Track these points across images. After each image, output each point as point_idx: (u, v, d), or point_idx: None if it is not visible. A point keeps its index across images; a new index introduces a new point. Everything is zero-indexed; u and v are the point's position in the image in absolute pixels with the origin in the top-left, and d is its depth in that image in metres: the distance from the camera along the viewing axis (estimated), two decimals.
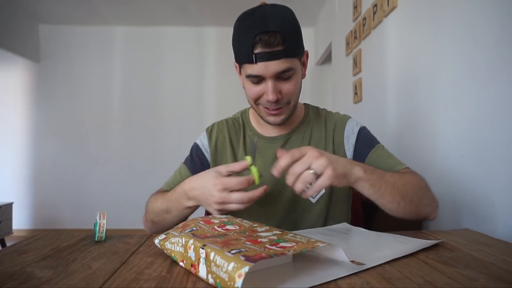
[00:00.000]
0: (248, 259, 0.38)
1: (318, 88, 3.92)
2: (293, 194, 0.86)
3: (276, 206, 0.87)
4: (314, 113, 0.96)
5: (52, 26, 3.90)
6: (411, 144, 1.48)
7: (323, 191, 0.86)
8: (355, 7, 2.26)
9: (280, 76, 0.76)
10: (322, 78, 3.91)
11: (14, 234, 3.33)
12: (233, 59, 0.83)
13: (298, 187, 0.61)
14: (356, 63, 2.25)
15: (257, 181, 0.67)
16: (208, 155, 0.92)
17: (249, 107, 0.97)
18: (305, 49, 0.83)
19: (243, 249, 0.42)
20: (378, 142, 0.91)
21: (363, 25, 2.08)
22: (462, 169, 1.11)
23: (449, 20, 1.18)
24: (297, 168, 0.61)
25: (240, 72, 0.83)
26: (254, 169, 0.68)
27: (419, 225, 1.35)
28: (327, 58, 3.57)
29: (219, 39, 3.98)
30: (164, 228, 0.81)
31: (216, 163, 0.90)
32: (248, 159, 0.68)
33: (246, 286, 0.37)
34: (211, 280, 0.42)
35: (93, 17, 3.70)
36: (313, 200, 0.87)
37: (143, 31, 3.95)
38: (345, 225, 0.80)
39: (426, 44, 1.35)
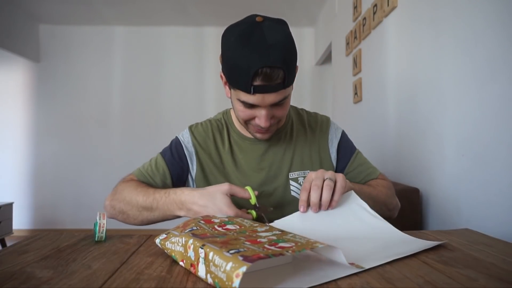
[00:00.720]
0: (246, 259, 0.38)
1: (318, 88, 3.92)
2: (281, 196, 0.87)
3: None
4: (295, 113, 0.97)
5: (52, 26, 3.90)
6: (411, 144, 1.48)
7: None
8: (355, 7, 2.26)
9: (275, 104, 0.75)
10: (322, 78, 3.92)
11: (14, 234, 3.33)
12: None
13: (327, 196, 0.65)
14: (356, 63, 2.25)
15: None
16: (187, 152, 0.88)
17: (230, 108, 0.95)
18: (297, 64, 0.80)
19: (242, 249, 0.42)
20: (355, 148, 0.96)
21: (363, 25, 2.08)
22: (462, 169, 1.11)
23: (449, 20, 1.18)
24: (318, 181, 0.66)
25: (228, 86, 0.79)
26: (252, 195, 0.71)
27: (419, 225, 1.35)
28: (327, 58, 3.58)
29: (219, 39, 3.94)
30: (136, 222, 0.80)
31: (200, 161, 0.88)
32: (252, 197, 0.71)
33: (245, 286, 0.37)
34: (210, 280, 0.42)
35: (93, 17, 3.70)
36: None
37: (143, 31, 3.95)
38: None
39: (426, 44, 1.35)
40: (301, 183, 0.87)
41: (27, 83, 3.92)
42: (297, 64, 0.78)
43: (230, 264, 0.38)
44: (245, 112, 0.77)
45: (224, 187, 0.68)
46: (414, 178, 1.44)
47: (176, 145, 0.91)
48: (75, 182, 3.87)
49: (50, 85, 3.91)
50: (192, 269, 0.46)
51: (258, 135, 0.83)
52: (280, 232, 0.52)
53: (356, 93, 2.28)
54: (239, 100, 0.75)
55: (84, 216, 3.73)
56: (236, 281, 0.36)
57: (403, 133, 1.57)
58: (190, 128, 0.92)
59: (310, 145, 0.91)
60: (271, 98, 0.72)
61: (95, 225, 0.64)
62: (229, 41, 0.72)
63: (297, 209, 0.82)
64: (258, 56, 0.67)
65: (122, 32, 3.95)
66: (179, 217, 0.75)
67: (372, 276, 0.44)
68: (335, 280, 0.43)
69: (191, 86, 3.96)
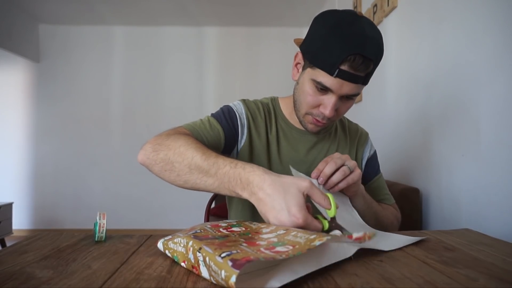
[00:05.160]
0: (234, 264, 0.38)
1: None
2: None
3: None
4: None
5: (52, 26, 3.90)
6: (410, 144, 1.48)
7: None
8: (355, 7, 2.26)
9: (345, 96, 0.75)
10: None
11: (14, 234, 3.33)
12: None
13: (336, 178, 0.68)
14: None
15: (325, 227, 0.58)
16: (239, 121, 0.84)
17: (277, 97, 0.95)
18: None
19: (235, 251, 0.42)
20: (380, 170, 0.98)
21: None
22: (462, 169, 1.11)
23: (449, 20, 1.18)
24: (338, 161, 0.69)
25: (303, 68, 0.78)
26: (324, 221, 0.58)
27: (419, 225, 1.35)
28: None
29: (219, 39, 3.98)
30: (178, 180, 0.65)
31: (250, 134, 0.85)
32: (333, 207, 0.57)
33: (243, 286, 0.38)
34: (214, 282, 0.42)
35: (93, 17, 3.70)
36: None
37: (143, 31, 3.95)
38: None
39: (426, 44, 1.35)
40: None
41: (27, 83, 3.92)
42: None
43: (223, 273, 0.38)
44: (314, 97, 0.76)
45: (304, 183, 0.55)
46: (414, 178, 1.44)
47: (229, 111, 0.85)
48: (75, 182, 3.87)
49: (50, 85, 3.91)
50: (194, 271, 0.46)
51: (311, 126, 0.82)
52: (284, 232, 0.51)
53: None
54: (314, 80, 0.73)
55: (84, 216, 3.73)
56: None
57: (403, 133, 1.57)
58: (244, 100, 0.89)
59: (349, 150, 0.93)
60: (348, 88, 0.72)
61: (95, 225, 0.64)
62: (328, 22, 0.72)
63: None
64: (357, 42, 0.68)
65: (122, 32, 3.95)
66: (236, 195, 0.61)
67: (372, 276, 0.44)
68: (335, 280, 0.43)
69: (191, 86, 3.96)
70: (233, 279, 0.36)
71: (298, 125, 0.89)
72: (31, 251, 0.59)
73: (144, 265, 0.51)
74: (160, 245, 0.55)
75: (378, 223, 0.82)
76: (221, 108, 0.87)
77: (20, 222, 3.76)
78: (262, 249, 0.44)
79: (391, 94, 1.71)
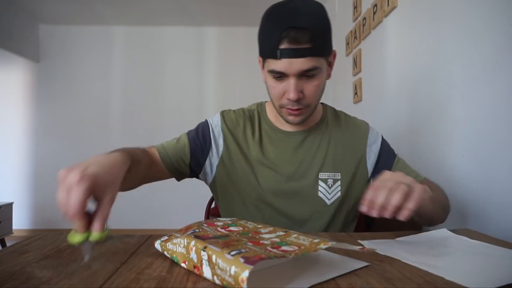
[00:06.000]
0: (247, 260, 0.38)
1: None
2: (308, 195, 0.85)
3: (291, 202, 0.85)
4: (332, 115, 0.94)
5: (52, 26, 3.90)
6: (410, 144, 1.48)
7: (339, 194, 0.86)
8: (355, 7, 2.26)
9: (304, 75, 0.74)
10: None
11: (14, 234, 3.32)
12: (256, 55, 0.80)
13: (397, 199, 0.54)
14: (356, 63, 2.25)
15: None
16: (213, 136, 0.88)
17: (265, 101, 0.96)
18: (334, 49, 0.80)
19: (243, 250, 0.42)
20: (395, 154, 0.92)
21: (363, 25, 2.08)
22: (462, 169, 1.11)
23: (449, 20, 1.18)
24: (390, 183, 0.56)
25: (263, 67, 0.80)
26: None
27: (419, 225, 1.35)
28: None
29: (219, 39, 3.98)
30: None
31: (228, 146, 0.87)
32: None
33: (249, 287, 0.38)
34: (217, 282, 0.42)
35: (93, 17, 3.70)
36: (328, 202, 0.85)
37: (143, 31, 3.94)
38: (445, 232, 0.70)
39: (426, 44, 1.35)
40: (330, 185, 0.85)
41: (27, 83, 3.91)
42: (334, 48, 0.78)
43: (233, 268, 0.38)
44: (276, 88, 0.76)
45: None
46: None
47: (203, 127, 0.91)
48: None
49: (50, 85, 3.91)
50: (196, 271, 0.46)
51: (290, 118, 0.81)
52: (284, 233, 0.52)
53: (356, 93, 2.28)
54: (270, 72, 0.75)
55: None
56: (244, 287, 0.36)
57: (403, 133, 1.57)
58: (222, 113, 0.93)
59: (346, 146, 0.89)
60: (298, 64, 0.71)
61: None
62: (265, 13, 0.75)
63: (320, 210, 0.81)
64: (286, 18, 0.69)
65: (122, 32, 3.95)
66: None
67: (372, 276, 0.44)
68: (335, 280, 0.43)
69: (191, 86, 3.96)
70: (245, 274, 0.36)
71: (283, 127, 0.89)
72: (31, 251, 0.59)
73: (144, 265, 0.51)
74: (158, 246, 0.55)
75: (442, 213, 0.78)
76: (198, 124, 0.92)
77: (20, 222, 3.75)
78: (268, 247, 0.44)
79: (391, 94, 1.71)
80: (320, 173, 0.86)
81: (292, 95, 0.74)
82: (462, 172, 1.10)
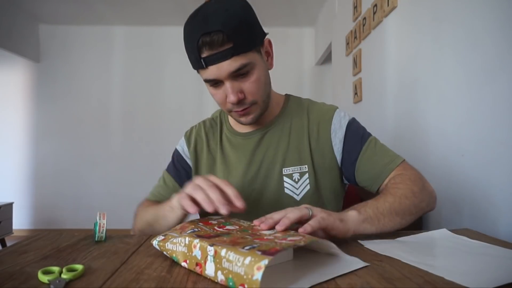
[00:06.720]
0: (265, 253, 0.39)
1: (318, 88, 3.91)
2: (274, 194, 0.82)
3: (258, 204, 0.82)
4: (295, 104, 0.89)
5: (52, 26, 3.90)
6: (410, 144, 1.48)
7: (308, 187, 0.81)
8: (355, 7, 2.26)
9: (238, 75, 0.71)
10: (322, 78, 3.91)
11: (14, 234, 3.33)
12: None
13: (292, 215, 0.54)
14: (356, 63, 2.25)
15: None
16: (189, 160, 0.91)
17: None
18: (266, 36, 0.77)
19: (256, 245, 0.42)
20: (370, 135, 0.84)
21: (363, 25, 2.08)
22: (462, 169, 1.11)
23: (449, 20, 1.18)
24: (289, 210, 0.57)
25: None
26: None
27: (419, 225, 1.35)
28: (327, 58, 3.57)
29: None
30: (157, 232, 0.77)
31: (197, 165, 0.90)
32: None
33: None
34: (220, 277, 0.42)
35: (93, 17, 3.70)
36: (298, 198, 0.81)
37: (143, 31, 3.95)
38: (444, 232, 0.69)
39: (426, 44, 1.35)
40: (297, 180, 0.82)
41: (27, 83, 3.92)
42: (266, 34, 0.77)
43: (249, 258, 0.38)
44: (218, 95, 0.75)
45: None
46: None
47: (177, 157, 0.93)
48: (75, 182, 3.87)
49: (50, 85, 3.91)
50: (197, 269, 0.46)
51: (242, 120, 0.80)
52: (282, 233, 0.52)
53: (356, 93, 2.29)
54: (206, 82, 0.75)
55: (84, 216, 3.73)
56: (258, 274, 0.36)
57: (403, 133, 1.57)
58: (185, 135, 0.95)
59: (309, 137, 0.83)
60: (226, 67, 0.69)
61: (95, 225, 0.64)
62: (183, 29, 0.74)
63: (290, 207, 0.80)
64: (198, 27, 0.68)
65: (122, 32, 3.95)
66: (180, 216, 0.71)
67: (372, 276, 0.44)
68: (335, 280, 0.43)
69: (191, 86, 3.96)
70: (264, 262, 0.37)
71: (243, 129, 0.88)
72: (31, 251, 0.59)
73: (144, 265, 0.51)
74: (155, 245, 0.55)
75: (407, 215, 0.68)
76: (173, 155, 0.95)
77: (20, 222, 3.75)
78: (276, 240, 0.45)
79: (391, 94, 1.71)
80: (283, 169, 0.82)
81: (231, 98, 0.72)
82: (462, 172, 1.10)
